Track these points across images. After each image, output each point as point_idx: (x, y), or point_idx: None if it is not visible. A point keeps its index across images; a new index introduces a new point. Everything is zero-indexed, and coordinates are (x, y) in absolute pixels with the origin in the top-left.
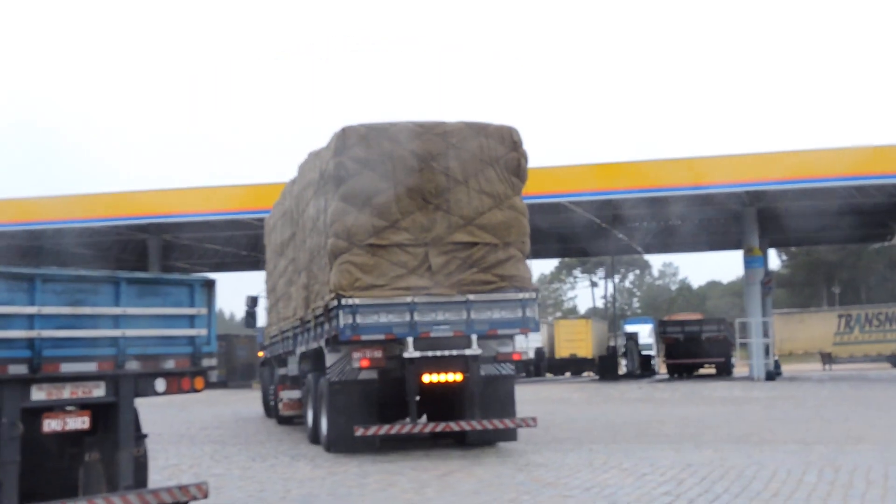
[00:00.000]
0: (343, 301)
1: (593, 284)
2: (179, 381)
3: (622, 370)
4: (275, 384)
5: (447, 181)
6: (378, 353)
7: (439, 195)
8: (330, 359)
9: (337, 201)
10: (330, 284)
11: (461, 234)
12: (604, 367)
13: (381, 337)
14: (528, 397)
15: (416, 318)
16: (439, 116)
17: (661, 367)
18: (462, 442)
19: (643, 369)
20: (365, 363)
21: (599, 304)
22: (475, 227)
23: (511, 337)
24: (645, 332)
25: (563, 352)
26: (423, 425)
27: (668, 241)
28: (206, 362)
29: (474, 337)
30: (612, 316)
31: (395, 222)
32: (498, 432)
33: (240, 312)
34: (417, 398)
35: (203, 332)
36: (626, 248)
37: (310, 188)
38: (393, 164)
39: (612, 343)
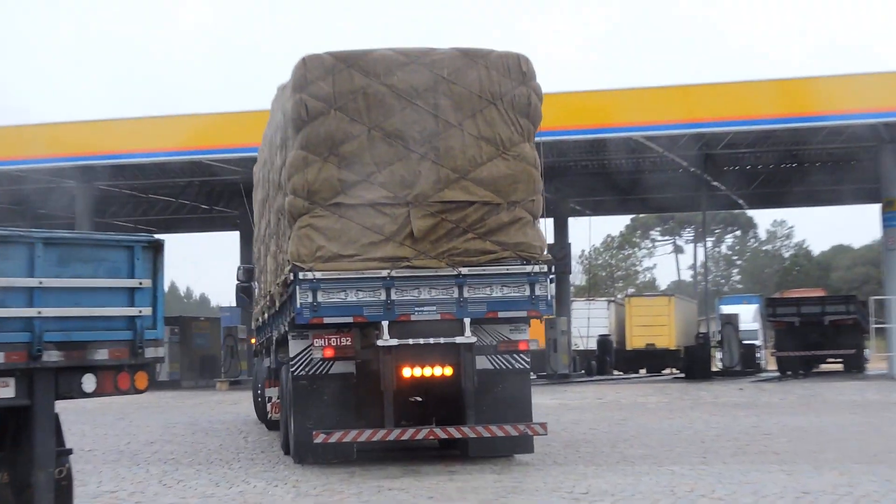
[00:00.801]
0: (301, 275)
1: (678, 250)
2: (115, 378)
3: (716, 365)
4: (262, 379)
5: (436, 124)
6: (346, 341)
7: (426, 142)
8: (294, 347)
9: (296, 149)
10: (288, 254)
11: (453, 191)
12: (691, 362)
13: (349, 320)
14: (587, 402)
15: (394, 296)
16: (430, 42)
17: (769, 362)
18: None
19: (745, 364)
20: (328, 352)
21: (686, 276)
22: (471, 181)
23: (525, 321)
24: (748, 315)
25: (636, 341)
26: (401, 432)
27: (780, 192)
28: (150, 352)
29: (467, 321)
30: (703, 293)
31: (368, 176)
32: (506, 442)
33: (199, 287)
34: (420, 399)
35: (147, 311)
36: (723, 202)
37: (278, 133)
38: (367, 103)
39: (702, 329)
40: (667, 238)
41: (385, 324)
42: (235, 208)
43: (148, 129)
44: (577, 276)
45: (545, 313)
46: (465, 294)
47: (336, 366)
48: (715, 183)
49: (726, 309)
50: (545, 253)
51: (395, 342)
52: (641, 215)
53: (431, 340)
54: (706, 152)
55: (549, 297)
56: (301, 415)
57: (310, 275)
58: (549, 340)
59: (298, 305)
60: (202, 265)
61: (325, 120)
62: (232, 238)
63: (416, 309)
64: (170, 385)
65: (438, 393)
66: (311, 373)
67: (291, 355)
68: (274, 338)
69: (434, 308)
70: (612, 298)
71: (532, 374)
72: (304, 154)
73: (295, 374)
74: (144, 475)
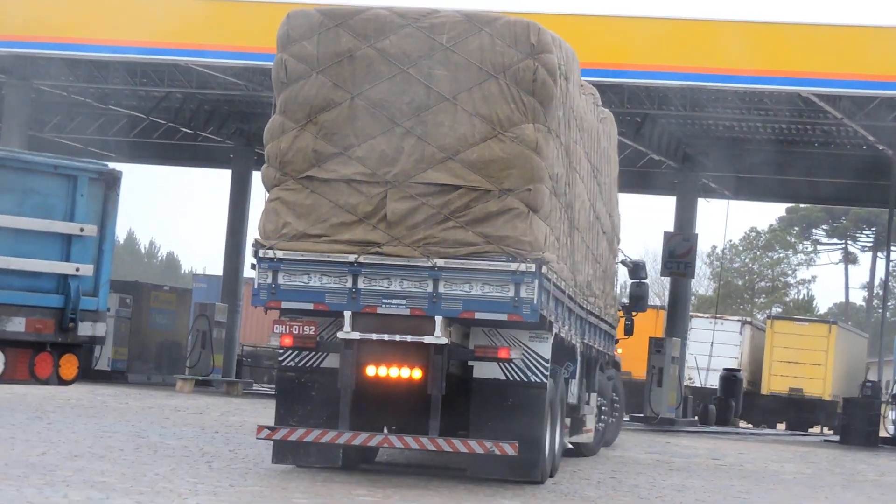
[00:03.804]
0: (261, 253)
1: (850, 260)
2: (31, 361)
3: (886, 430)
4: None
5: (427, 96)
6: (310, 330)
7: (413, 115)
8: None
9: (275, 114)
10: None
11: (437, 173)
12: (851, 421)
13: (309, 306)
14: (697, 463)
15: (361, 285)
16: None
17: None
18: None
19: None
20: (286, 340)
21: (857, 298)
22: (459, 163)
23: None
24: None
25: (777, 383)
26: (352, 436)
27: None
28: (86, 329)
29: (439, 319)
30: (878, 324)
31: (346, 148)
32: (501, 463)
33: (169, 243)
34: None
35: (86, 270)
36: None
37: None
38: (353, 68)
39: (872, 376)
40: (835, 242)
41: (348, 314)
42: (229, 137)
43: (115, 12)
44: (703, 283)
45: (529, 318)
46: (441, 289)
47: (329, 359)
48: None
49: None
50: (541, 252)
51: (357, 336)
52: (802, 206)
53: (397, 338)
54: None
55: (535, 301)
56: (285, 410)
57: (270, 253)
58: (652, 369)
59: (256, 286)
60: (176, 212)
61: (306, 84)
62: (222, 178)
63: (385, 301)
64: (111, 377)
65: (414, 398)
66: (299, 364)
67: (279, 344)
68: None
69: (404, 302)
70: (749, 319)
71: (623, 414)
72: (280, 119)
73: (283, 364)
74: (60, 502)
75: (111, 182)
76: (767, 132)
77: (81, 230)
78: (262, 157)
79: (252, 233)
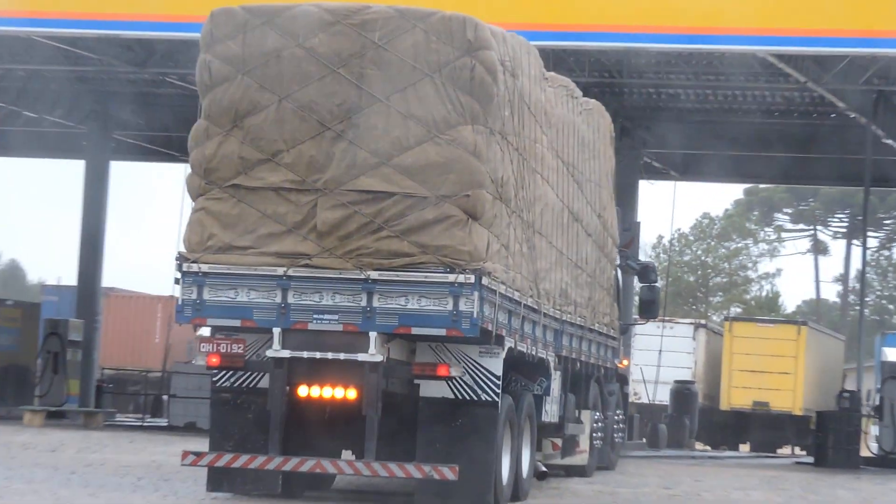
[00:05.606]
0: (185, 266)
1: (820, 249)
2: None
3: (868, 448)
4: None
5: (359, 97)
6: (238, 348)
7: (344, 118)
8: None
9: (200, 118)
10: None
11: (370, 179)
12: (827, 438)
13: (237, 323)
14: (647, 494)
15: (291, 299)
16: None
17: None
18: None
19: None
20: (214, 360)
21: (830, 293)
22: (393, 168)
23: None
24: None
25: (738, 396)
26: (283, 461)
27: None
28: None
29: (373, 335)
30: (856, 324)
31: (274, 155)
32: (455, 490)
33: (10, 250)
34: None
35: None
36: None
37: None
38: (279, 68)
39: (849, 385)
40: (803, 228)
41: (277, 331)
42: (82, 121)
43: None
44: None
45: (468, 333)
46: (375, 303)
47: (266, 379)
48: (889, 141)
49: (893, 354)
50: (482, 262)
51: (287, 354)
52: (762, 185)
53: (330, 355)
54: (879, 88)
55: (474, 314)
56: (220, 434)
57: (195, 267)
58: None
59: (180, 302)
60: (20, 211)
61: (230, 86)
62: (74, 169)
63: (316, 316)
64: None
65: (351, 420)
66: (234, 385)
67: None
68: None
69: (336, 317)
70: (704, 322)
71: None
72: (205, 124)
73: (217, 385)
74: None
75: None
76: (719, 101)
77: None
78: (121, 143)
79: (111, 234)
